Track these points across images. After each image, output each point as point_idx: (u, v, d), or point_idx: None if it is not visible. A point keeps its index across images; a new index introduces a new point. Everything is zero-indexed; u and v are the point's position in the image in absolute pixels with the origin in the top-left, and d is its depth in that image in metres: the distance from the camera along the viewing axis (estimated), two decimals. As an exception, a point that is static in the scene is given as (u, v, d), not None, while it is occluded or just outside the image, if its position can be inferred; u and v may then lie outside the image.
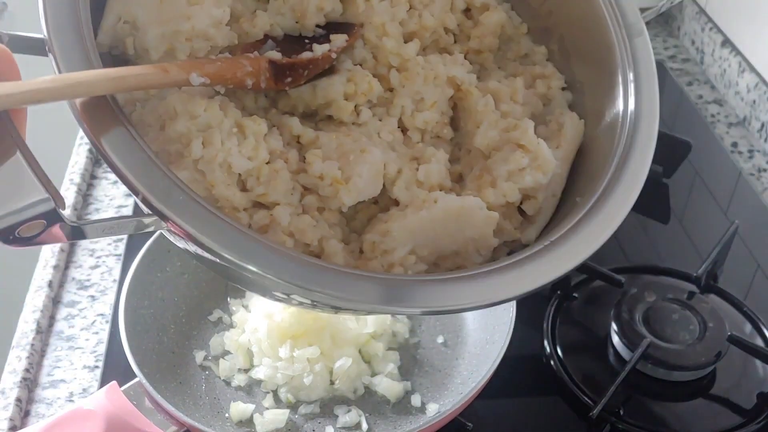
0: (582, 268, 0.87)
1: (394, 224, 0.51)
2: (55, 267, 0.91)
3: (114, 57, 0.51)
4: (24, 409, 0.78)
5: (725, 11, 1.25)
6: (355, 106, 0.56)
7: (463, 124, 0.59)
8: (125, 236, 0.96)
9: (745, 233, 0.96)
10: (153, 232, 0.47)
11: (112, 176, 1.06)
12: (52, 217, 0.39)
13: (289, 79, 0.53)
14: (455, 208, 0.52)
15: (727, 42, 1.23)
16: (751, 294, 0.91)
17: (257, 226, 0.50)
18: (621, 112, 0.56)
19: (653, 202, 1.03)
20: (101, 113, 0.43)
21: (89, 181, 1.05)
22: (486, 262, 0.53)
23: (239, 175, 0.50)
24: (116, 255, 0.94)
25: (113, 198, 1.03)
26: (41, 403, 0.79)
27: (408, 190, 0.53)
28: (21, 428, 0.76)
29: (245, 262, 0.43)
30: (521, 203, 0.56)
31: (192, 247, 0.44)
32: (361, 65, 0.57)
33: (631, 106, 0.56)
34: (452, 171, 0.57)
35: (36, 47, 0.46)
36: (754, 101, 1.15)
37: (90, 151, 1.08)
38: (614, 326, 0.81)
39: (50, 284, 0.89)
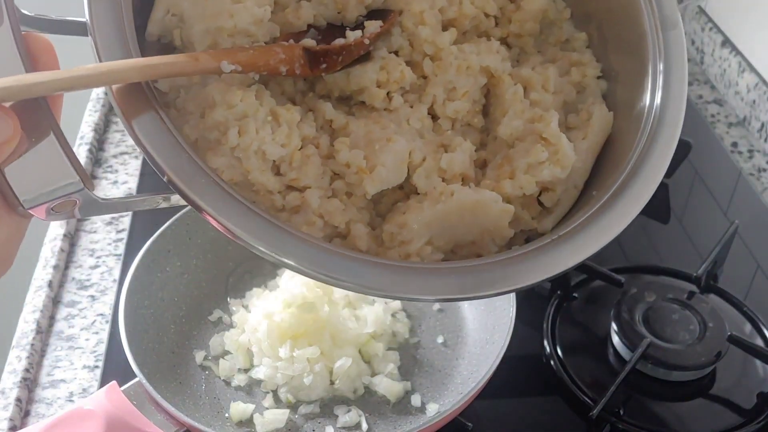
0: (582, 267, 0.87)
1: (411, 216, 0.52)
2: (55, 267, 0.91)
3: (163, 45, 0.53)
4: (24, 409, 0.78)
5: (725, 11, 1.25)
6: (388, 93, 0.57)
7: (492, 110, 0.60)
8: (125, 236, 0.96)
9: (745, 233, 0.96)
10: (167, 210, 0.50)
11: (112, 176, 1.07)
12: (84, 196, 0.43)
13: (324, 66, 0.55)
14: (471, 202, 0.53)
15: (727, 42, 1.23)
16: (751, 294, 0.91)
17: (290, 206, 0.52)
18: (647, 106, 0.56)
19: (653, 202, 1.01)
20: (134, 98, 0.45)
21: (89, 181, 1.05)
22: (501, 249, 0.54)
23: (273, 161, 0.52)
24: (116, 255, 0.94)
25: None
26: (41, 403, 0.79)
27: (428, 178, 0.55)
28: (21, 428, 0.76)
29: (258, 245, 0.45)
30: (540, 194, 0.56)
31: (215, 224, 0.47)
32: (397, 52, 0.58)
33: (657, 100, 0.56)
34: (478, 157, 0.58)
35: (58, 28, 0.48)
36: (754, 101, 1.15)
37: (90, 151, 1.08)
38: (614, 326, 0.81)
39: (50, 284, 0.89)
